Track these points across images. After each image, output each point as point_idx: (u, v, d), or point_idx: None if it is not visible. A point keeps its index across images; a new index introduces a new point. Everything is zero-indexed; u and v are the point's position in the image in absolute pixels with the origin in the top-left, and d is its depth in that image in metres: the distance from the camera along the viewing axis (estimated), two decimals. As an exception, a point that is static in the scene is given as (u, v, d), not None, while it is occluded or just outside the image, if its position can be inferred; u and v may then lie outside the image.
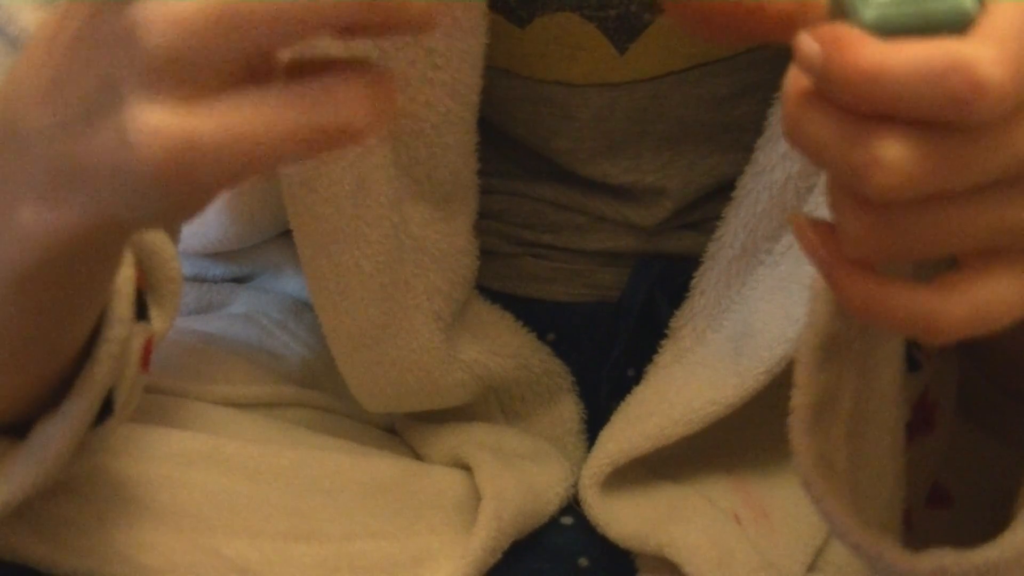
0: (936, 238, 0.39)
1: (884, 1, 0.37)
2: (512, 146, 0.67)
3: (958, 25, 0.37)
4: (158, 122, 0.35)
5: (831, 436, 0.51)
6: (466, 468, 0.67)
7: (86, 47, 0.38)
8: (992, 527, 0.49)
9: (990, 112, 0.36)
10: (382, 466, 0.66)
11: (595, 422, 0.70)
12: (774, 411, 0.68)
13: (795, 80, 0.39)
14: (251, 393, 0.68)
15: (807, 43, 0.38)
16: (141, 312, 0.56)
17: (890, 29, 0.37)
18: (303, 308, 0.75)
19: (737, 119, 0.66)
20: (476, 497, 0.65)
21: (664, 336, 0.67)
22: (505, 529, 0.64)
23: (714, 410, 0.63)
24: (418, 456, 0.70)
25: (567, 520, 0.68)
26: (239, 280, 0.79)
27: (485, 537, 0.63)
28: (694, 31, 0.40)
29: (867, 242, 0.39)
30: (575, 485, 0.68)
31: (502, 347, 0.68)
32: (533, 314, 0.70)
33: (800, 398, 0.50)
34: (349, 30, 0.36)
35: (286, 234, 0.75)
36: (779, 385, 0.62)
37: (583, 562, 0.67)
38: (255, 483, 0.61)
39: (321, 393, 0.71)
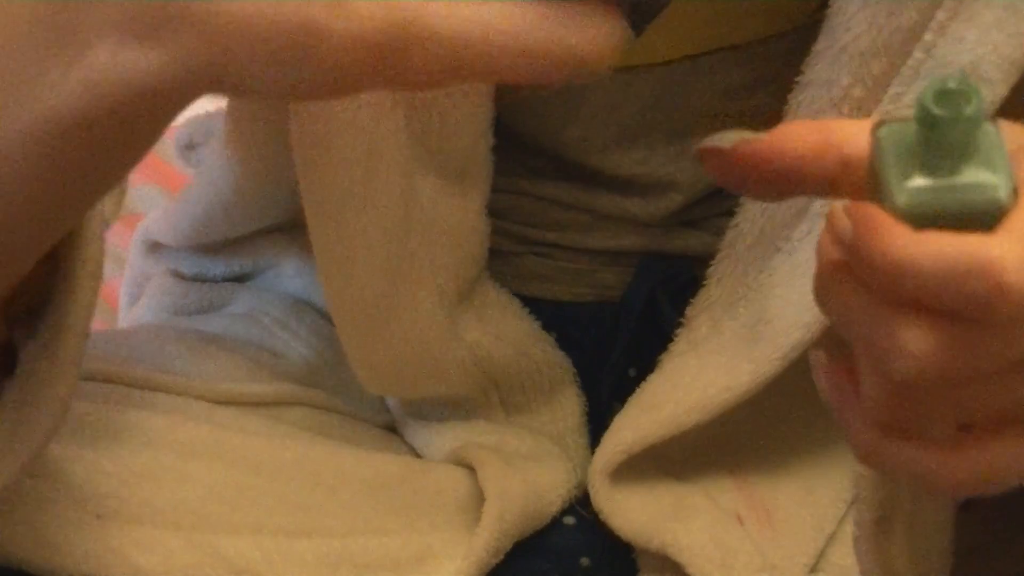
0: (957, 412, 0.40)
1: (919, 186, 0.37)
2: (518, 144, 0.67)
3: (991, 217, 0.37)
4: None
5: (894, 542, 0.51)
6: (468, 467, 0.67)
7: None
8: (1010, 522, 0.49)
9: (1013, 313, 0.36)
10: (385, 463, 0.65)
11: (597, 421, 0.70)
12: (778, 412, 0.68)
13: (828, 248, 0.40)
14: (253, 392, 0.68)
15: (840, 220, 0.39)
16: None
17: (923, 215, 0.37)
18: (304, 307, 0.75)
19: (751, 110, 0.66)
20: (478, 496, 0.65)
21: (666, 336, 0.67)
22: (508, 530, 0.64)
23: (729, 397, 0.63)
24: (419, 456, 0.70)
25: (569, 520, 0.68)
26: (239, 279, 0.79)
27: (488, 538, 0.63)
28: (740, 191, 0.40)
29: (888, 411, 0.40)
30: (577, 486, 0.68)
31: (505, 333, 0.68)
32: (535, 313, 0.70)
33: (864, 513, 0.51)
34: None
35: (284, 229, 0.75)
36: (788, 380, 0.62)
37: (585, 562, 0.67)
38: (258, 477, 0.61)
39: (322, 392, 0.71)
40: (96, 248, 0.49)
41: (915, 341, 0.37)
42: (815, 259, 0.41)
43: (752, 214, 0.64)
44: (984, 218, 0.37)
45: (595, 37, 0.34)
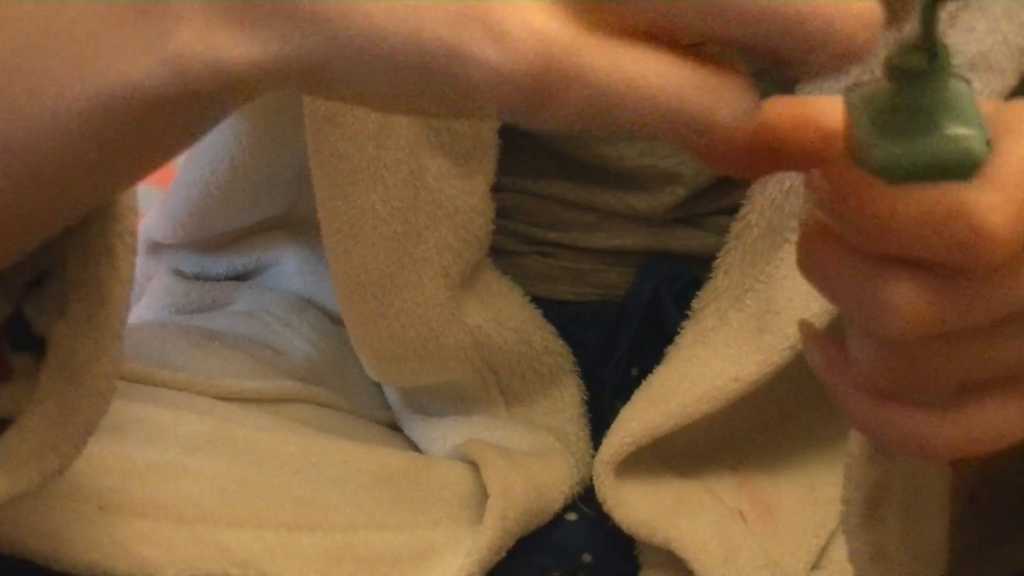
0: (950, 371, 0.40)
1: (894, 143, 0.37)
2: (522, 141, 0.67)
3: (966, 168, 0.37)
4: (546, 28, 0.32)
5: (887, 526, 0.51)
6: (471, 463, 0.67)
7: None
8: (1008, 521, 0.49)
9: (993, 257, 0.37)
10: (388, 458, 0.65)
11: (599, 421, 0.70)
12: (781, 409, 0.68)
13: (810, 216, 0.40)
14: (255, 388, 0.68)
15: (819, 184, 0.39)
16: None
17: (899, 171, 0.37)
18: (306, 305, 0.76)
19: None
20: (481, 492, 0.65)
21: (669, 336, 0.67)
22: (511, 528, 0.64)
23: (737, 387, 0.63)
24: (421, 453, 0.69)
25: (571, 516, 0.68)
26: (241, 278, 0.79)
27: (491, 536, 0.63)
28: (725, 170, 0.40)
29: (881, 375, 0.40)
30: (580, 482, 0.68)
31: (507, 319, 0.68)
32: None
33: (853, 492, 0.51)
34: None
35: (283, 227, 0.76)
36: (793, 374, 0.62)
37: (587, 558, 0.66)
38: (261, 471, 0.61)
39: (324, 390, 0.71)
40: (133, 220, 0.48)
41: (902, 296, 0.37)
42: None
43: (760, 206, 0.64)
44: (960, 170, 0.37)
45: (733, 111, 0.33)
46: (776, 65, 0.34)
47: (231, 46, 0.35)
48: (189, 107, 0.37)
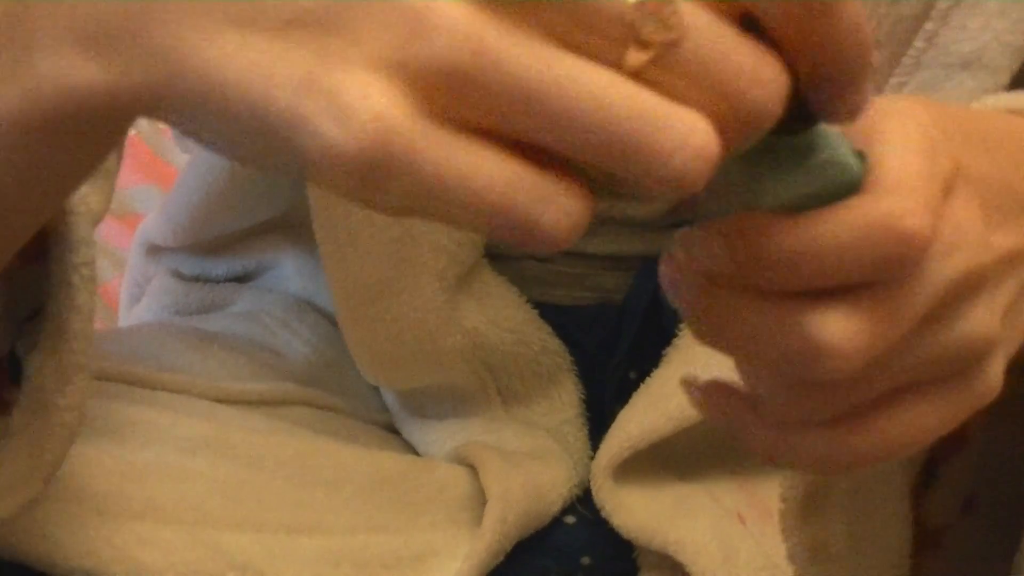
0: (867, 391, 0.39)
1: (777, 183, 0.37)
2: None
3: (850, 186, 0.37)
4: (386, 113, 0.31)
5: (827, 521, 0.50)
6: (469, 466, 0.67)
7: None
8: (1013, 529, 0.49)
9: (918, 261, 0.36)
10: (386, 460, 0.65)
11: (598, 424, 0.69)
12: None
13: (689, 282, 0.38)
14: (254, 390, 0.68)
15: (705, 246, 0.38)
16: None
17: (782, 202, 0.37)
18: (305, 307, 0.76)
19: None
20: (480, 494, 0.65)
21: (668, 338, 0.67)
22: (509, 531, 0.64)
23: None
24: (419, 455, 0.69)
25: (570, 519, 0.68)
26: (240, 280, 0.79)
27: (490, 539, 0.63)
28: None
29: (792, 409, 0.39)
30: (578, 485, 0.68)
31: (503, 319, 0.68)
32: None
33: (790, 490, 0.50)
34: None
35: (282, 229, 0.75)
36: None
37: (586, 560, 0.67)
38: (259, 473, 0.61)
39: (323, 392, 0.71)
40: (88, 251, 0.48)
41: (835, 332, 0.36)
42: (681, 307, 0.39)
43: None
44: (847, 188, 0.37)
45: (558, 216, 0.32)
46: (617, 188, 0.34)
47: (81, 72, 0.34)
48: (51, 134, 0.37)
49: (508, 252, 0.69)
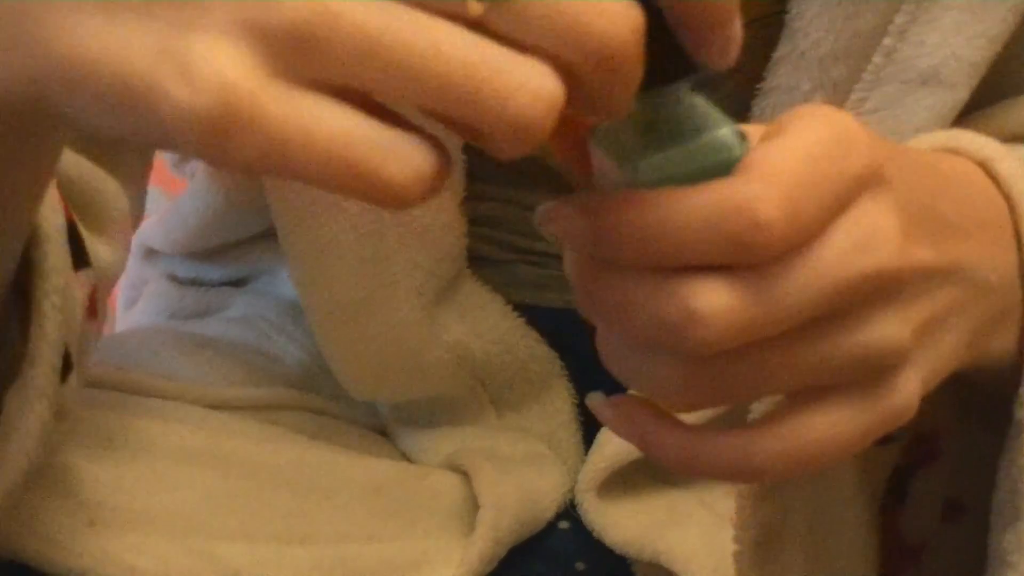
0: (757, 382, 0.39)
1: (651, 157, 0.37)
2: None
3: (725, 167, 0.38)
4: (230, 72, 0.32)
5: (786, 560, 0.50)
6: (462, 473, 0.66)
7: None
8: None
9: (771, 249, 0.36)
10: (379, 468, 0.65)
11: (591, 428, 0.69)
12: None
13: (575, 259, 0.39)
14: (248, 395, 0.68)
15: (574, 223, 0.38)
16: (80, 258, 0.53)
17: (658, 178, 0.37)
18: (300, 311, 0.75)
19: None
20: (473, 501, 0.65)
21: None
22: (502, 538, 0.64)
23: None
24: (413, 462, 0.69)
25: (564, 525, 0.68)
26: (236, 284, 0.79)
27: (483, 547, 0.62)
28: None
29: (685, 395, 0.39)
30: (572, 490, 0.68)
31: (487, 330, 0.67)
32: (530, 321, 0.69)
33: (742, 532, 0.50)
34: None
35: (276, 236, 0.75)
36: None
37: (580, 566, 0.66)
38: (252, 482, 0.61)
39: (318, 396, 0.71)
40: (59, 279, 0.49)
41: (709, 301, 0.37)
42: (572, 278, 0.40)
43: None
44: (719, 169, 0.37)
45: (403, 169, 0.33)
46: (479, 143, 0.34)
47: None
48: None
49: (500, 256, 0.69)
